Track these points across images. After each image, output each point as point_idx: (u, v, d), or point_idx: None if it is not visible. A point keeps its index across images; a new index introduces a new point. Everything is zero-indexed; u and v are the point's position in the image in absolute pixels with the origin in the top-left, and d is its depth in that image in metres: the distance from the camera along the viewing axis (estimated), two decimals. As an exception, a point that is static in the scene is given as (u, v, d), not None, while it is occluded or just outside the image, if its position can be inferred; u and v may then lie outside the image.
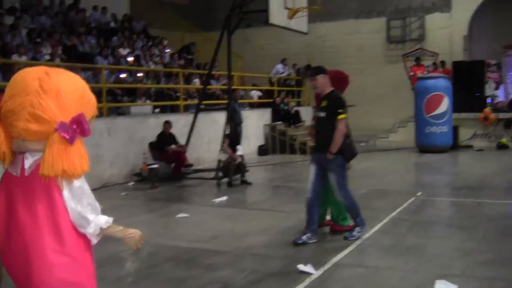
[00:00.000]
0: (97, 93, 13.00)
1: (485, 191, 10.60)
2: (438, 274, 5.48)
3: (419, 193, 10.16)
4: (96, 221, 2.82)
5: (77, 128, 2.72)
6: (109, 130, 11.99)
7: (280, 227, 7.77)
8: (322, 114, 6.79)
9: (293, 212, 8.75)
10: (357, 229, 6.99)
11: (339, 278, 5.54)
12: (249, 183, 11.74)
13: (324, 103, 6.76)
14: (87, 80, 13.26)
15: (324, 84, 6.78)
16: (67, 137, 2.68)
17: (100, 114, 12.83)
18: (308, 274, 5.60)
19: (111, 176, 12.03)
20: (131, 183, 12.01)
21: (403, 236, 7.11)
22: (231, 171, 11.68)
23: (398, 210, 8.74)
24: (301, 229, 7.62)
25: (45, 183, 2.73)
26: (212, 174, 12.07)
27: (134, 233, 2.98)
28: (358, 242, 6.83)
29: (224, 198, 10.16)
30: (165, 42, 20.24)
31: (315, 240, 6.80)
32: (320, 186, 6.87)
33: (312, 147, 7.48)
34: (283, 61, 21.75)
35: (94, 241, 2.88)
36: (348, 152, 6.85)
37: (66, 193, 2.76)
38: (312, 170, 6.90)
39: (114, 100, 14.15)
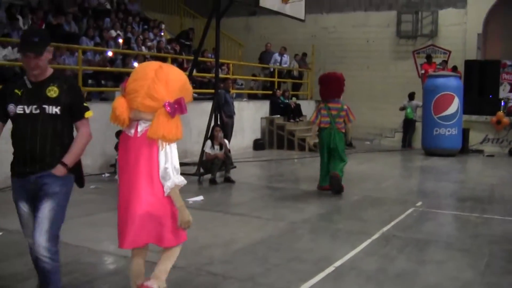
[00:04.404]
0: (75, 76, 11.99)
1: (494, 204, 9.37)
2: (428, 315, 4.38)
3: (419, 203, 9.04)
4: (174, 178, 3.86)
5: (178, 107, 3.83)
6: (84, 116, 10.91)
7: (250, 238, 6.67)
8: (51, 109, 4.02)
9: (271, 219, 7.72)
10: None
11: (304, 314, 4.43)
12: (232, 182, 10.65)
13: (53, 91, 4.04)
14: (69, 63, 12.48)
15: (46, 62, 4.10)
16: (170, 111, 3.79)
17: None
18: (267, 306, 4.51)
19: (85, 166, 10.81)
20: (106, 175, 11.05)
21: (392, 259, 5.97)
22: (214, 168, 10.59)
23: (392, 224, 7.61)
24: (276, 240, 6.56)
25: (149, 143, 3.85)
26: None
27: (188, 214, 3.92)
28: (337, 264, 5.72)
29: (200, 198, 9.07)
30: (163, 26, 19.16)
31: None
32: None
33: (15, 167, 4.13)
34: (281, 50, 20.49)
35: (167, 192, 3.86)
36: (82, 172, 4.40)
37: (161, 152, 3.83)
38: (22, 210, 4.15)
39: (97, 85, 13.15)
